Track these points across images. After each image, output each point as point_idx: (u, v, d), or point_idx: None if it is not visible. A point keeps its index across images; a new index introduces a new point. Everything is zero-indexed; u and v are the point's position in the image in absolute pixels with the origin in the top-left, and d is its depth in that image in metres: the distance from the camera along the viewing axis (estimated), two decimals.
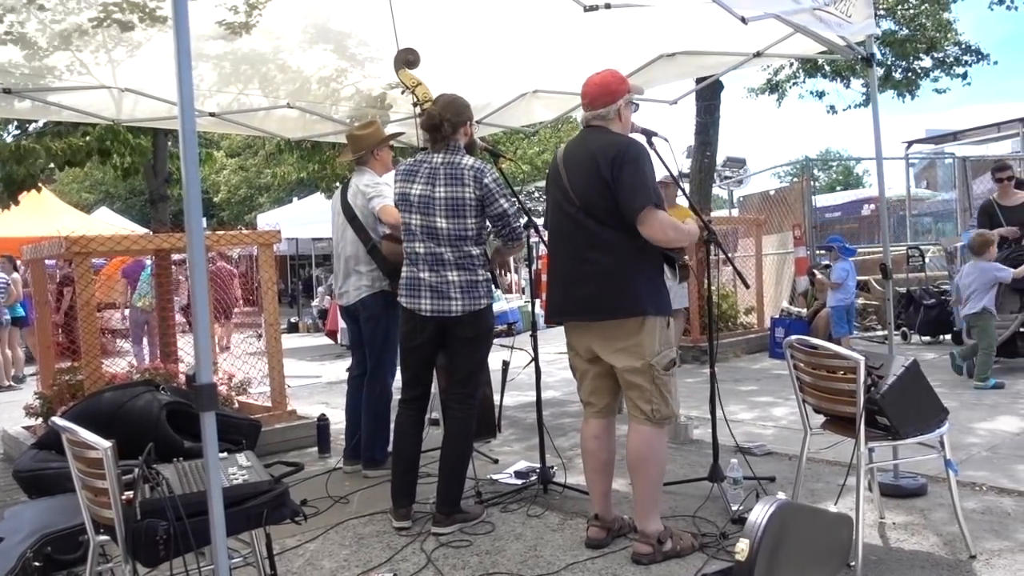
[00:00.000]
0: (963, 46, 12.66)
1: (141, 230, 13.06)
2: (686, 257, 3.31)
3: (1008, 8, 11.96)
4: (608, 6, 3.86)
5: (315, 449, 5.29)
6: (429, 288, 3.61)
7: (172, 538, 2.19)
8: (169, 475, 2.44)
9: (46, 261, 6.10)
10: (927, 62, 12.82)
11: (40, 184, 10.12)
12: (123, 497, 2.21)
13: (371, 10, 4.66)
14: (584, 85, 3.33)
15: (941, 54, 12.58)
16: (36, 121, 8.70)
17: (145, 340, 9.43)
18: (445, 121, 3.64)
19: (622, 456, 3.43)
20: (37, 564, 3.15)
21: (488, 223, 3.69)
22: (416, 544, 3.52)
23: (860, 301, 10.30)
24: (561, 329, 3.49)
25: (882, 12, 11.79)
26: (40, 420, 5.34)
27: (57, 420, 2.53)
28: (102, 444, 2.19)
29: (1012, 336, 6.70)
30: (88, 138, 7.88)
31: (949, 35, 12.50)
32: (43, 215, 12.31)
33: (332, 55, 5.46)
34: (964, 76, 12.81)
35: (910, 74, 12.83)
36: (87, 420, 3.67)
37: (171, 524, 2.19)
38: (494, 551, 3.41)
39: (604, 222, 3.16)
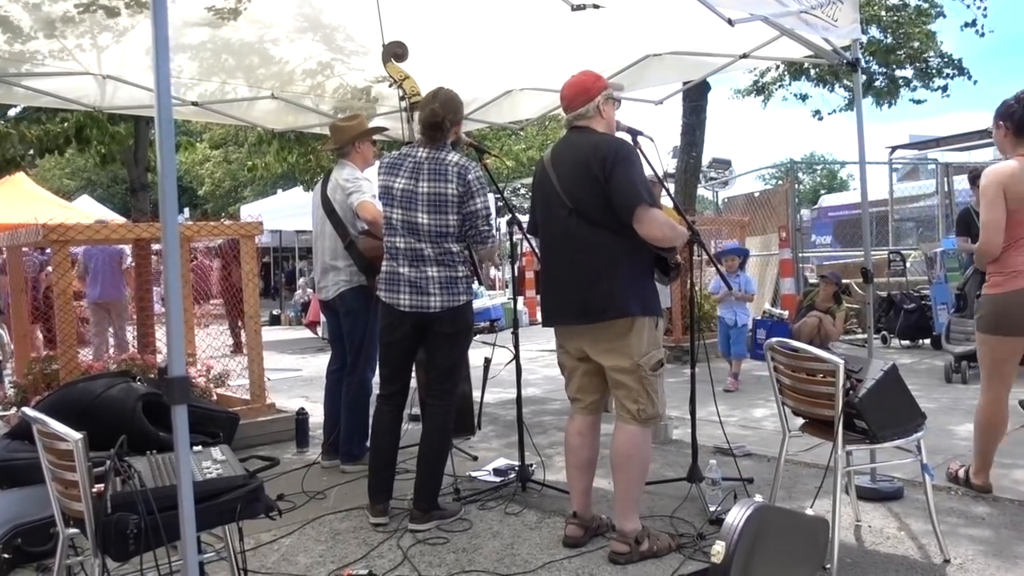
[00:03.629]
0: (945, 58, 12.75)
1: (122, 219, 12.92)
2: (678, 257, 3.30)
3: (977, 33, 12.08)
4: (596, 6, 3.86)
5: (294, 443, 5.26)
6: (408, 283, 3.58)
7: (143, 532, 2.16)
8: (142, 468, 2.40)
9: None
10: (908, 72, 12.91)
11: (23, 169, 9.99)
12: (93, 490, 2.18)
13: (358, 4, 4.62)
14: (563, 87, 3.34)
15: (923, 65, 12.66)
16: (15, 106, 8.58)
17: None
18: (447, 120, 3.62)
19: (603, 455, 3.43)
20: (6, 556, 3.11)
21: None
22: (393, 541, 3.50)
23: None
24: (543, 327, 3.48)
25: (869, 19, 11.85)
26: (14, 410, 5.27)
27: (27, 411, 2.48)
28: (72, 436, 2.16)
29: None
30: (66, 124, 7.77)
31: (931, 46, 12.59)
32: (22, 201, 12.14)
33: (319, 45, 5.42)
34: (944, 89, 12.90)
35: (891, 83, 12.91)
36: (61, 410, 3.62)
37: (142, 518, 2.16)
38: (471, 549, 3.40)
39: (596, 223, 3.15)
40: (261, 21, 4.94)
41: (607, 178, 3.08)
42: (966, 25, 12.07)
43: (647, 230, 3.09)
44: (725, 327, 7.01)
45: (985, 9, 11.94)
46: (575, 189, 3.19)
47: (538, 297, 14.17)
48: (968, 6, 12.02)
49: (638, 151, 3.27)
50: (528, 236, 3.78)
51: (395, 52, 4.47)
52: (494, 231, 3.81)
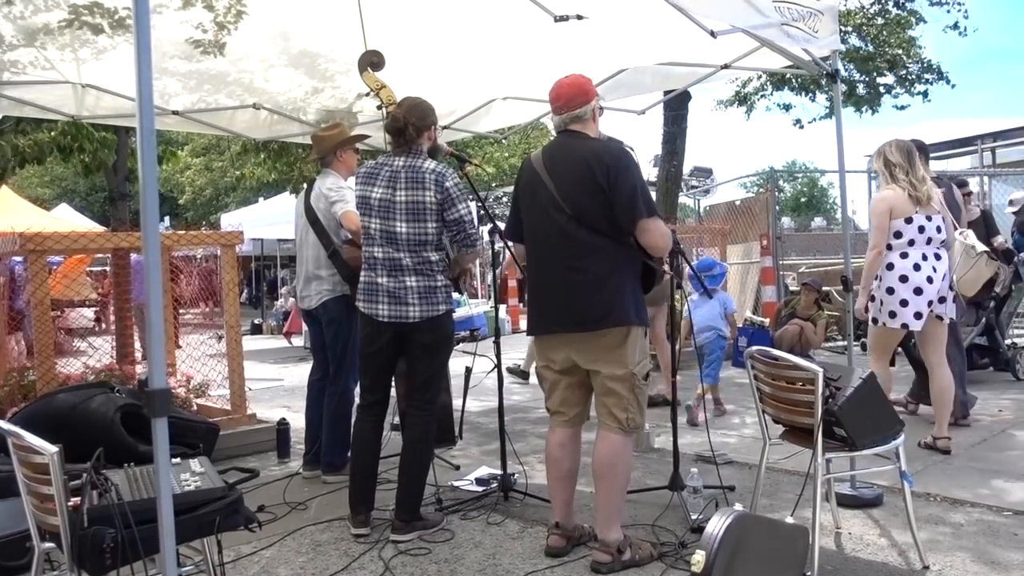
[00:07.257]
0: (925, 64, 12.91)
1: (100, 228, 12.83)
2: (665, 267, 3.33)
3: (960, 34, 12.27)
4: (580, 17, 3.87)
5: (275, 454, 5.22)
6: (387, 293, 3.57)
7: (120, 546, 2.14)
8: (119, 481, 2.38)
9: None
10: (890, 79, 13.05)
11: (4, 181, 9.91)
12: (69, 504, 2.15)
13: (341, 19, 4.62)
14: (555, 88, 3.29)
15: (903, 71, 12.81)
16: None
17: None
18: (410, 124, 3.61)
19: (585, 464, 3.43)
20: None
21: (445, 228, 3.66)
22: (374, 552, 3.48)
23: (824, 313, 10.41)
24: (528, 335, 3.47)
25: (849, 29, 11.98)
26: None
27: (2, 424, 2.45)
28: (48, 449, 2.13)
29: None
30: (53, 133, 7.73)
31: (912, 53, 12.74)
32: (2, 211, 12.02)
33: (303, 76, 5.45)
34: (925, 95, 13.07)
35: (872, 91, 13.05)
36: (39, 422, 3.60)
37: (119, 532, 2.14)
38: (453, 559, 3.38)
39: (596, 230, 3.14)
40: (241, 54, 4.96)
41: (611, 187, 3.08)
42: (949, 28, 12.26)
43: (650, 239, 3.13)
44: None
45: (966, 11, 12.16)
46: (576, 195, 3.15)
47: (520, 306, 14.10)
48: (948, 11, 12.22)
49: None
50: (508, 242, 3.72)
51: (371, 61, 4.47)
52: (482, 235, 3.81)
